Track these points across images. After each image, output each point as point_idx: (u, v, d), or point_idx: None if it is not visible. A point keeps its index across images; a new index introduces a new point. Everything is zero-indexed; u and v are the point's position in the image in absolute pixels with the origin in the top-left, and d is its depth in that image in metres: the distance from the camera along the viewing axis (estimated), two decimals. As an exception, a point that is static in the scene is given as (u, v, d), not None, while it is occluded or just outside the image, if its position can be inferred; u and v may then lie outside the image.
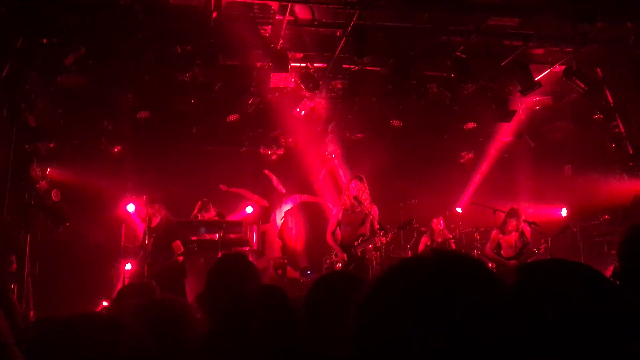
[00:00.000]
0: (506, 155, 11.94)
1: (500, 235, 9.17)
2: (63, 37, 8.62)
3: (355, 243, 7.97)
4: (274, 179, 12.33)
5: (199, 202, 10.14)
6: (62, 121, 9.81)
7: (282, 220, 12.34)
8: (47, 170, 9.62)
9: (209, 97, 10.23)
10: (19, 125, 8.07)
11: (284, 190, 12.37)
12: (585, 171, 10.86)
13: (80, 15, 8.27)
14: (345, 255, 7.90)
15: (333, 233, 8.20)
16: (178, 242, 8.61)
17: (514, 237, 9.13)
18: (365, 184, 8.10)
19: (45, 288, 8.98)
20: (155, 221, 8.58)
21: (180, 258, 8.54)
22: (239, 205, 11.86)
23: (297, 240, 11.98)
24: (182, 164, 11.04)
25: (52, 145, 9.16)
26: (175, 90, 9.99)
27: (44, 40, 8.84)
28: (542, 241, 8.88)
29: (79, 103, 9.87)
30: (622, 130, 10.06)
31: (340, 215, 8.19)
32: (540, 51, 9.27)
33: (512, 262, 8.79)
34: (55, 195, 9.15)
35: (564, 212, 11.22)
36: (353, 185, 8.06)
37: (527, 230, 9.21)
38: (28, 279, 7.76)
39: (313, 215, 12.09)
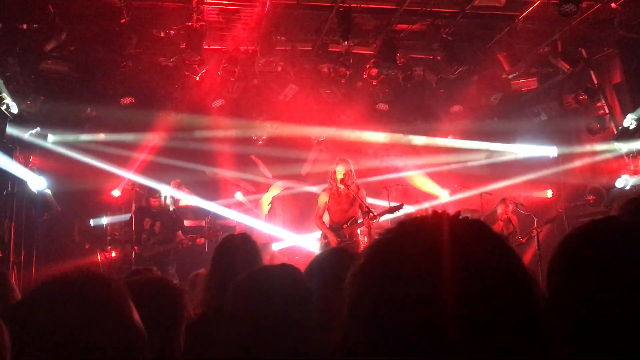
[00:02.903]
0: (492, 137, 11.95)
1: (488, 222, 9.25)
2: (44, 23, 8.49)
3: (345, 226, 8.00)
4: (261, 164, 12.26)
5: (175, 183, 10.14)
6: (44, 108, 9.67)
7: (270, 206, 12.29)
8: (30, 157, 9.51)
9: (194, 82, 10.14)
10: (0, 112, 7.94)
11: (270, 176, 12.32)
12: (570, 152, 10.94)
13: (61, 1, 8.15)
14: (335, 237, 7.93)
15: (322, 217, 8.24)
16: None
17: (499, 225, 9.21)
18: (351, 167, 8.11)
19: (30, 277, 8.92)
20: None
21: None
22: (227, 191, 11.81)
23: (285, 225, 11.94)
24: (168, 150, 10.94)
25: (34, 132, 9.02)
26: (159, 76, 9.88)
27: (25, 26, 8.70)
28: (531, 230, 8.94)
29: (62, 89, 9.73)
30: (607, 111, 10.12)
31: (327, 199, 8.20)
32: (525, 32, 9.25)
33: None
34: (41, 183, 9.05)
35: (549, 193, 11.31)
36: (339, 169, 8.06)
37: (515, 219, 9.28)
38: (13, 267, 7.70)
39: (300, 200, 12.05)
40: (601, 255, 1.22)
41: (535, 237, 8.92)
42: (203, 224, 9.58)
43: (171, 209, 9.28)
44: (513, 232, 9.15)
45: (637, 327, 1.12)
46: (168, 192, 9.92)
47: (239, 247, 3.27)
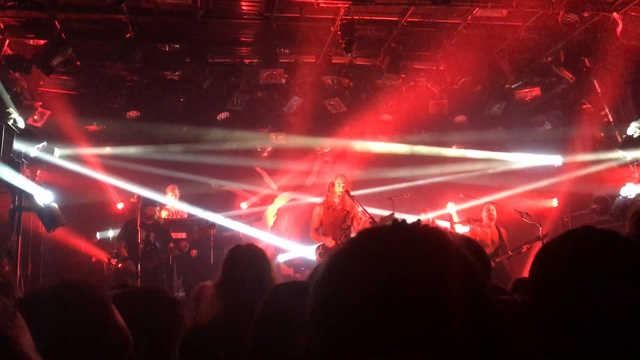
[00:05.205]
0: (496, 147, 11.95)
1: (478, 230, 9.24)
2: (50, 39, 8.58)
3: (338, 242, 8.08)
4: (266, 176, 12.31)
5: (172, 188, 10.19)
6: (51, 122, 9.75)
7: (275, 218, 12.32)
8: (37, 171, 9.58)
9: (199, 96, 10.21)
10: (7, 127, 8.01)
11: (275, 188, 12.36)
12: (575, 161, 10.93)
13: (67, 16, 8.24)
14: (332, 240, 8.05)
15: (317, 230, 8.35)
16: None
17: (488, 234, 9.18)
18: (348, 182, 8.31)
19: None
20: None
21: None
22: (232, 202, 11.85)
23: (290, 237, 11.96)
24: (173, 163, 11.00)
25: (41, 146, 9.09)
26: (164, 89, 9.95)
27: (31, 42, 8.80)
28: (522, 245, 8.89)
29: (68, 104, 9.81)
30: (611, 119, 10.12)
31: (322, 213, 8.30)
32: (527, 42, 9.28)
33: None
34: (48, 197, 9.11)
35: (554, 202, 11.29)
36: (339, 181, 8.20)
37: (504, 232, 9.26)
38: (20, 281, 7.74)
39: (306, 211, 12.07)
40: (574, 262, 1.29)
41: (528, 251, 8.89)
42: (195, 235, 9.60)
43: (162, 221, 9.35)
44: (501, 246, 9.04)
45: (605, 331, 1.17)
46: (172, 203, 9.98)
47: (249, 257, 3.31)
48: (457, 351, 0.91)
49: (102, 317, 1.55)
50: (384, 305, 0.92)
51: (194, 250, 9.67)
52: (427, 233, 1.03)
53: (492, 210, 9.26)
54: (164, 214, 9.94)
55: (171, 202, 10.11)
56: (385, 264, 0.96)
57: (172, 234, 9.43)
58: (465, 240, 2.45)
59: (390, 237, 1.01)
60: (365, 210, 8.12)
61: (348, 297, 0.96)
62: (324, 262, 1.06)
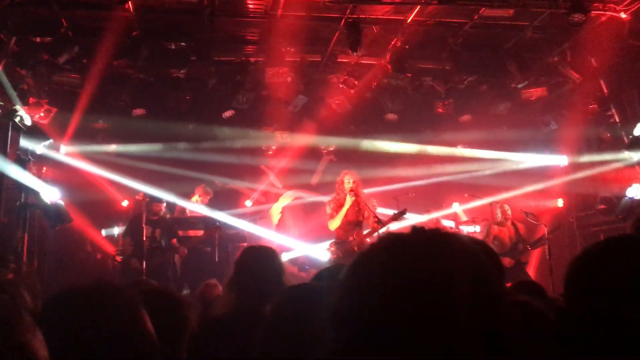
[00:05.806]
0: (502, 146, 11.92)
1: (496, 228, 9.23)
2: (57, 36, 8.62)
3: (350, 238, 8.03)
4: (271, 174, 12.31)
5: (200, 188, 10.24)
6: (57, 120, 9.78)
7: (279, 216, 12.32)
8: (43, 168, 9.61)
9: (204, 94, 10.22)
10: (14, 124, 8.05)
11: (280, 186, 12.36)
12: (581, 161, 10.89)
13: (74, 14, 8.27)
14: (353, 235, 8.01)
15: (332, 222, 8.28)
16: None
17: (506, 232, 9.18)
18: (358, 178, 8.22)
19: (44, 286, 9.00)
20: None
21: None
22: (237, 200, 11.86)
23: (295, 235, 11.96)
24: (178, 161, 11.02)
25: (47, 143, 9.13)
26: (170, 87, 9.97)
27: (38, 40, 8.83)
28: (540, 240, 8.97)
29: (74, 101, 9.84)
30: (617, 120, 10.08)
31: (334, 210, 8.26)
32: (534, 42, 9.26)
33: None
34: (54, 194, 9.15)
35: (560, 202, 11.26)
36: (348, 178, 8.14)
37: (521, 227, 9.26)
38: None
39: (310, 210, 12.07)
40: (619, 273, 1.31)
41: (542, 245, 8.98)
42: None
43: (168, 216, 9.36)
44: (519, 241, 9.06)
45: None
46: (190, 206, 10.06)
47: (262, 258, 3.34)
48: (477, 349, 0.96)
49: (133, 324, 1.50)
50: (404, 306, 0.97)
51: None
52: (445, 237, 1.08)
53: (507, 209, 9.29)
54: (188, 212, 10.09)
55: (190, 205, 10.17)
56: (405, 266, 1.01)
57: (189, 231, 9.49)
58: (480, 245, 2.47)
59: (410, 241, 1.06)
60: (373, 209, 8.12)
61: (370, 298, 1.00)
62: (347, 265, 1.10)
